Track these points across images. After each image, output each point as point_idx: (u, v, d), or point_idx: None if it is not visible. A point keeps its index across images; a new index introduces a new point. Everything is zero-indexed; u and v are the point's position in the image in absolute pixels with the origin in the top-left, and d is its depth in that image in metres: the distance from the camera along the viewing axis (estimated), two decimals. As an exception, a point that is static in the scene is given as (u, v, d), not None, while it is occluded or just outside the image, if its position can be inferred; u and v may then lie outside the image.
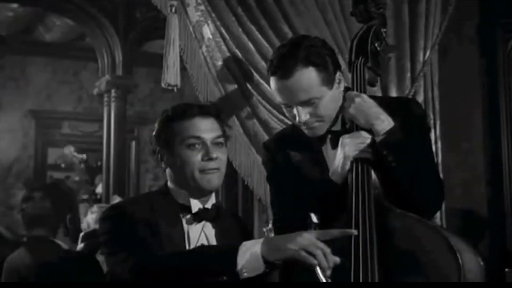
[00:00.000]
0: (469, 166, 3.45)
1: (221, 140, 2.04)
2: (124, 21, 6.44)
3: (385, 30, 2.28)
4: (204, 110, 2.05)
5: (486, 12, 3.49)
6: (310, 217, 1.75)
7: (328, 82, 2.04)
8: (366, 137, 2.00)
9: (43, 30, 7.51)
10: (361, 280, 1.84)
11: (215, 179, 2.01)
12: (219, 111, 2.09)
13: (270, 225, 4.10)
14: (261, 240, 1.77)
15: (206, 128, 2.02)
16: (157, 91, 7.75)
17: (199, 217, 2.01)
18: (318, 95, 2.03)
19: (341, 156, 2.01)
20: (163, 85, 2.82)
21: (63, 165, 7.67)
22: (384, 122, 1.99)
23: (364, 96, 2.05)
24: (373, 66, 2.17)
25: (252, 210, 6.09)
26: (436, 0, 3.14)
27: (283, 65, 2.01)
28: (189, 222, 2.00)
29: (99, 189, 7.23)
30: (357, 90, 2.08)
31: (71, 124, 8.10)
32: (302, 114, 2.05)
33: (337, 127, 2.16)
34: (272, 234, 4.19)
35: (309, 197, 2.04)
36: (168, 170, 2.07)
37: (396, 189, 1.98)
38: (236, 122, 2.99)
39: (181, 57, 2.83)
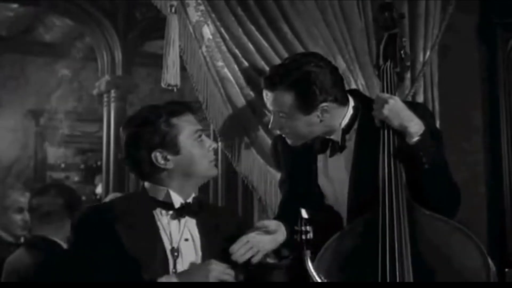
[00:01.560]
0: (469, 166, 3.44)
1: None
2: (124, 21, 6.45)
3: (405, 39, 2.32)
4: (190, 106, 2.11)
5: (486, 12, 3.48)
6: (300, 212, 1.76)
7: None
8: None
9: (43, 30, 7.51)
10: (397, 280, 1.87)
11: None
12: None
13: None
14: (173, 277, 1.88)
15: (197, 122, 2.09)
16: (157, 91, 7.73)
17: (181, 212, 2.01)
18: None
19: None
20: (163, 85, 2.81)
21: (63, 165, 7.68)
22: (417, 125, 2.03)
23: (397, 98, 2.09)
24: (400, 71, 2.22)
25: (252, 210, 6.08)
26: (436, 0, 3.14)
27: None
28: (172, 218, 2.00)
29: (99, 189, 7.22)
30: (387, 93, 2.11)
31: (71, 124, 8.09)
32: None
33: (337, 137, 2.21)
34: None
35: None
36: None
37: (424, 190, 2.02)
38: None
39: (181, 57, 2.83)
